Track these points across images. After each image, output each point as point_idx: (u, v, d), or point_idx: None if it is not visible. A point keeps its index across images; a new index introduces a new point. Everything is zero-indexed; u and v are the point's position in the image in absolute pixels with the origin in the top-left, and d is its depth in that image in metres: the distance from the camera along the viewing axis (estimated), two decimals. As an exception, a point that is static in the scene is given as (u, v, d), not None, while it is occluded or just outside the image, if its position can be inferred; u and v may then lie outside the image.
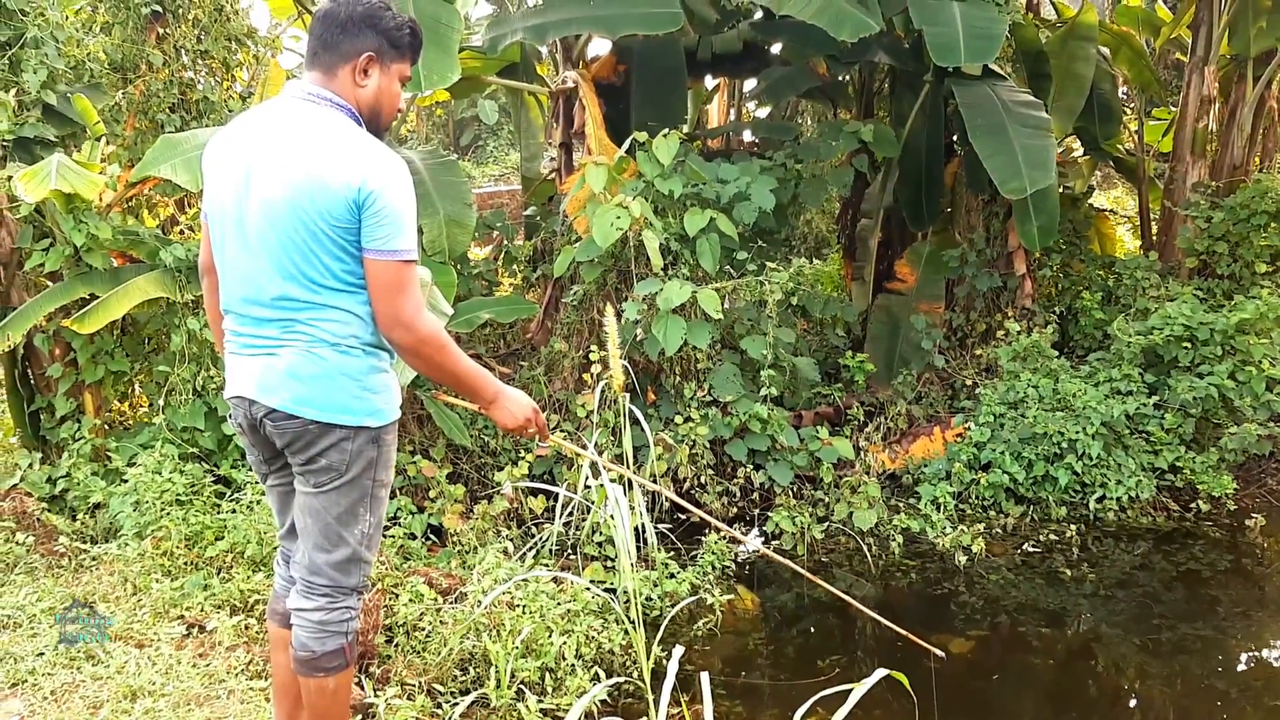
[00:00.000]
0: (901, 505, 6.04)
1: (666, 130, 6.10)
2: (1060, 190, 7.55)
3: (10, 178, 4.88)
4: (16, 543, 4.51)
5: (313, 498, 2.64)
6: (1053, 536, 5.76)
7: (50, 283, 5.14)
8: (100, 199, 4.86)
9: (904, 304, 7.75)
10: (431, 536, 5.32)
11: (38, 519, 4.84)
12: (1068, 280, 7.97)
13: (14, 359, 5.26)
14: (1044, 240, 7.13)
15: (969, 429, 6.32)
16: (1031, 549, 5.67)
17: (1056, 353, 6.77)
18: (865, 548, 5.56)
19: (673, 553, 5.21)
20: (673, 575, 4.88)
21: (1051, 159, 6.50)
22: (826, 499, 5.94)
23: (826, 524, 5.77)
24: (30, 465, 5.14)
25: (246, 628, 3.93)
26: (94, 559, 4.48)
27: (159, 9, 5.55)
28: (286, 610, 2.79)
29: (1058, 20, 8.97)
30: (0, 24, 5.12)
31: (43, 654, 3.59)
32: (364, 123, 2.59)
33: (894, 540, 5.61)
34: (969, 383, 7.15)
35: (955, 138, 8.06)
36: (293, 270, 2.46)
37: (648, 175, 6.11)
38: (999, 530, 5.85)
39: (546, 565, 4.73)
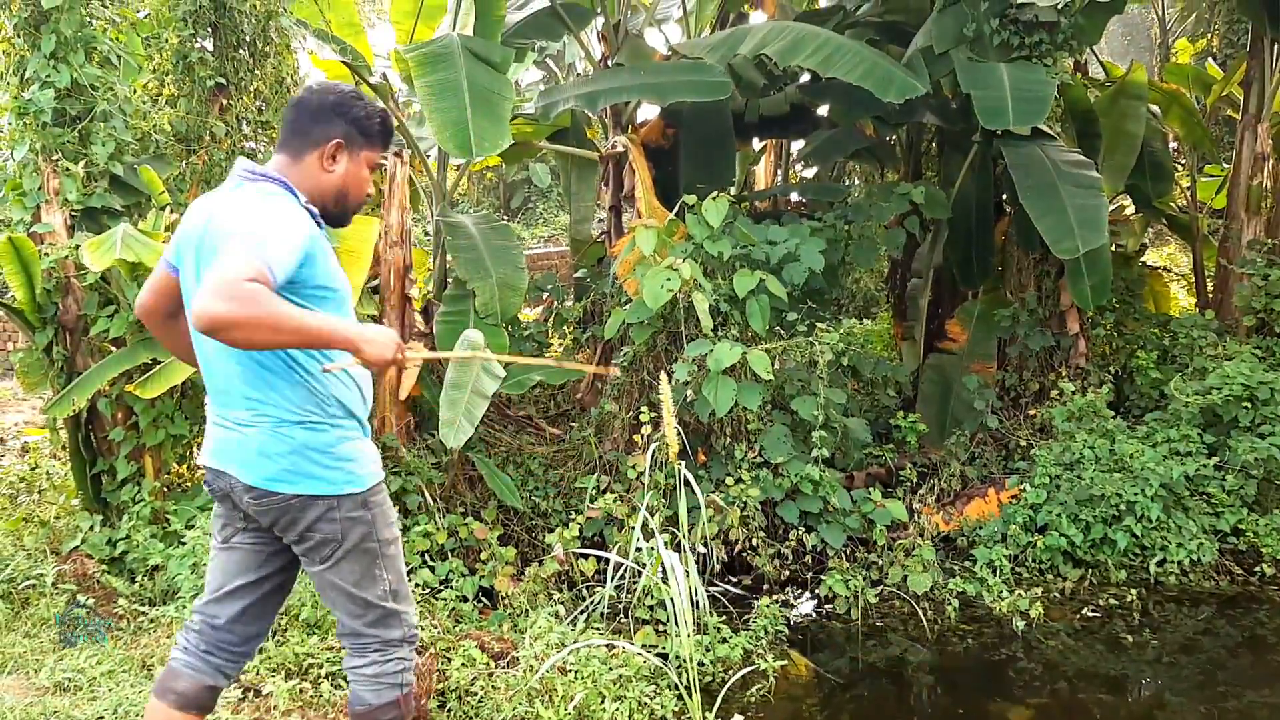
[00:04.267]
0: (956, 568, 5.95)
1: (715, 192, 6.16)
2: (1113, 248, 7.50)
3: (78, 247, 5.04)
4: (78, 604, 4.58)
5: (325, 574, 2.69)
6: (1113, 600, 5.65)
7: (114, 348, 5.26)
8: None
9: (955, 364, 7.69)
10: (483, 599, 5.32)
11: (98, 581, 4.91)
12: (1122, 339, 7.87)
13: (78, 423, 5.38)
14: (1097, 299, 7.07)
15: (1024, 490, 6.24)
16: (1091, 613, 5.55)
17: (1112, 413, 6.67)
18: (920, 612, 5.47)
19: (724, 617, 5.17)
20: (725, 640, 4.84)
21: (1103, 218, 6.47)
22: (880, 562, 5.87)
23: (880, 587, 5.70)
24: (91, 528, 5.24)
25: (301, 691, 3.94)
26: (152, 621, 4.53)
27: (223, 82, 5.74)
28: (186, 691, 2.73)
29: (1106, 79, 8.96)
30: (72, 99, 5.31)
31: (102, 718, 3.62)
32: (329, 205, 2.71)
33: (949, 604, 5.52)
34: (1023, 443, 7.06)
35: (1005, 197, 8.05)
36: (235, 353, 2.54)
37: (697, 237, 6.16)
38: (1057, 594, 5.74)
39: (598, 629, 4.71)
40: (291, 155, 2.66)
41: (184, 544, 4.78)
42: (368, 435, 2.80)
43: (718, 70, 6.85)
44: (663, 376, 3.52)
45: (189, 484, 5.57)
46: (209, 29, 5.75)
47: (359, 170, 2.73)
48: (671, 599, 4.55)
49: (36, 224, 5.31)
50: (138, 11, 6.06)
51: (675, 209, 6.41)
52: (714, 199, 6.08)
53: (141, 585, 4.89)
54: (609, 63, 8.03)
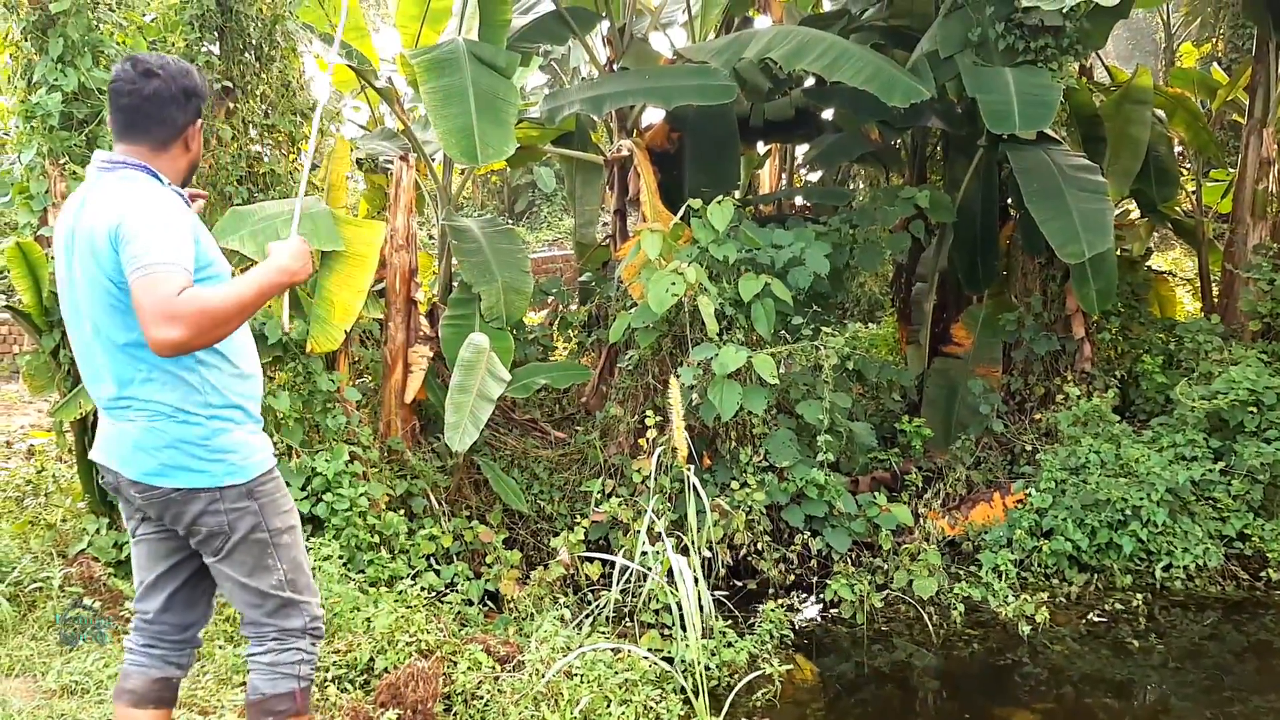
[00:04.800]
0: (962, 573, 5.95)
1: (721, 196, 6.16)
2: (1118, 253, 7.49)
3: (85, 250, 5.04)
4: (84, 607, 4.58)
5: (217, 565, 2.68)
6: (1118, 605, 5.64)
7: (121, 351, 5.26)
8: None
9: (961, 368, 7.69)
10: (489, 603, 5.33)
11: (104, 584, 4.91)
12: (1127, 344, 7.87)
13: (84, 426, 5.37)
14: (1103, 303, 7.07)
15: (1030, 495, 6.23)
16: (1097, 618, 5.55)
17: (1118, 417, 6.67)
18: (926, 616, 5.47)
19: (729, 621, 5.17)
20: (730, 644, 4.84)
21: (1109, 222, 6.47)
22: (885, 566, 5.87)
23: (886, 591, 5.69)
24: (98, 530, 5.23)
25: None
26: (158, 624, 4.52)
27: (229, 85, 5.73)
28: (137, 688, 2.76)
29: (1111, 84, 8.96)
30: (79, 102, 5.31)
31: (109, 720, 3.63)
32: (186, 180, 2.70)
33: (955, 609, 5.51)
34: (1028, 448, 7.05)
35: (1010, 201, 8.05)
36: (110, 343, 2.52)
37: (702, 241, 6.16)
38: (1063, 599, 5.74)
39: (603, 633, 4.71)
40: (154, 145, 2.59)
41: (190, 547, 4.78)
42: (258, 422, 2.75)
43: (723, 74, 6.85)
44: (673, 381, 3.52)
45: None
46: (215, 33, 5.73)
47: (200, 135, 2.69)
48: (677, 603, 4.57)
49: (43, 228, 5.31)
50: (144, 15, 6.07)
51: (680, 213, 6.41)
52: (719, 203, 6.09)
53: (148, 589, 4.88)
54: (614, 67, 8.04)
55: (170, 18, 5.72)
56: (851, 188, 11.32)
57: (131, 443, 2.57)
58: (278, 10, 5.90)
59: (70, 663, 4.06)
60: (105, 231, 2.43)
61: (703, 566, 5.05)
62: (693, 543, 4.12)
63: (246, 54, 5.80)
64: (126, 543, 5.12)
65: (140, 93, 2.55)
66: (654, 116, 8.33)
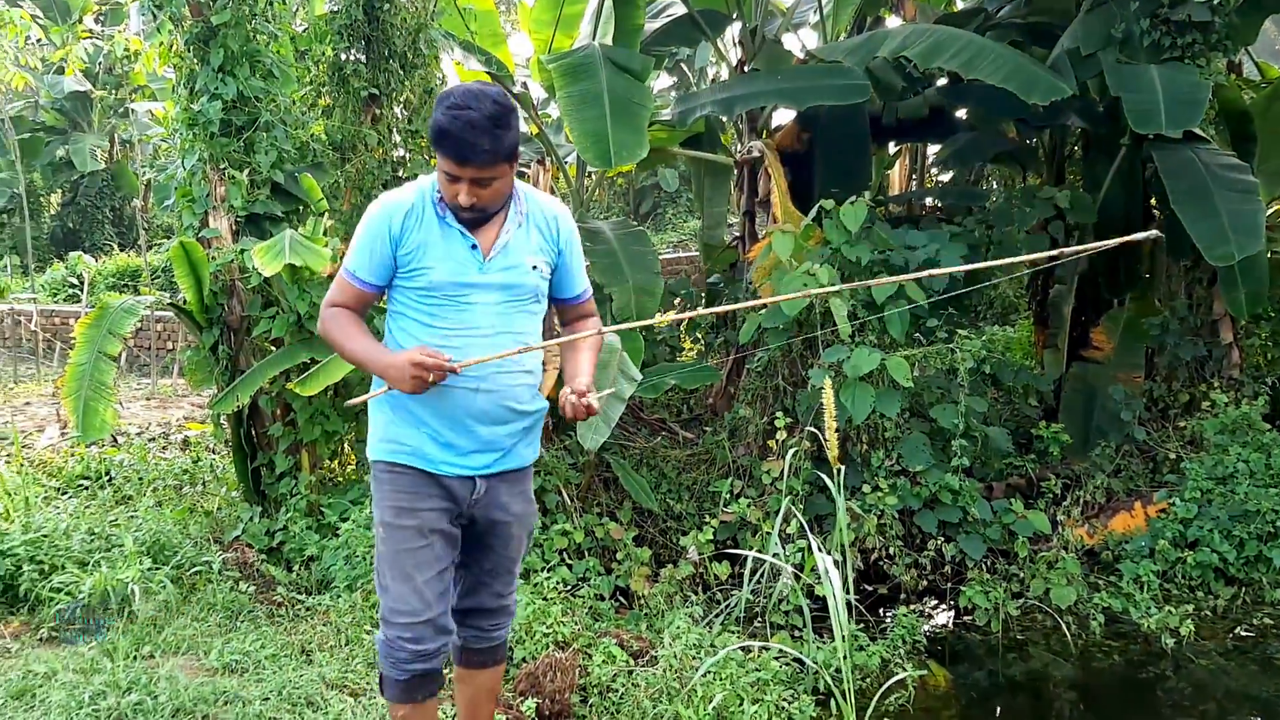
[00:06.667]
0: (1101, 582, 5.80)
1: (853, 197, 6.13)
2: (1269, 255, 7.19)
3: (242, 251, 5.30)
4: (241, 592, 4.82)
5: None
6: (1267, 620, 5.43)
7: (274, 348, 5.52)
8: (323, 271, 5.22)
9: (1101, 373, 7.47)
10: (620, 598, 5.40)
11: (258, 570, 5.16)
12: (1279, 349, 7.55)
13: (240, 419, 5.64)
14: (1252, 307, 6.80)
15: (1173, 505, 6.04)
16: (1244, 633, 5.35)
17: (1268, 426, 6.41)
18: (1064, 626, 5.34)
19: (861, 625, 5.14)
20: (862, 648, 4.81)
21: (1260, 224, 6.22)
22: (1021, 574, 5.75)
23: (1022, 600, 5.58)
24: (251, 519, 5.50)
25: (450, 681, 4.08)
26: (309, 610, 4.74)
27: (375, 92, 5.95)
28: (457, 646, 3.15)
29: (1262, 80, 8.61)
30: (237, 110, 5.58)
31: (268, 699, 3.81)
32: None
33: (1094, 619, 5.38)
34: (1172, 456, 6.83)
35: (1153, 201, 7.79)
36: None
37: (834, 242, 6.14)
38: (1208, 612, 5.55)
39: (734, 632, 4.74)
40: None
41: (338, 536, 4.99)
42: (413, 418, 2.87)
43: (856, 73, 6.81)
44: (826, 380, 3.52)
45: (341, 479, 5.79)
46: (362, 42, 5.95)
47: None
48: (809, 605, 4.58)
49: (204, 229, 5.60)
50: (296, 25, 6.33)
51: (811, 214, 6.39)
52: (852, 203, 6.05)
53: (298, 574, 5.11)
54: (745, 68, 8.05)
55: (321, 28, 5.96)
56: (985, 188, 11.09)
57: None
58: (422, 19, 6.09)
59: (230, 642, 4.28)
60: None
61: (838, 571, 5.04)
62: (842, 541, 4.11)
63: (391, 61, 6.00)
64: (279, 530, 5.39)
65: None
66: (784, 117, 8.32)
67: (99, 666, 4.00)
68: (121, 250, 20.10)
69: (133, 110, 17.63)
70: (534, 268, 2.89)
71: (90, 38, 18.32)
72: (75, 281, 16.58)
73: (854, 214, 6.03)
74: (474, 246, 2.80)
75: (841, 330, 5.81)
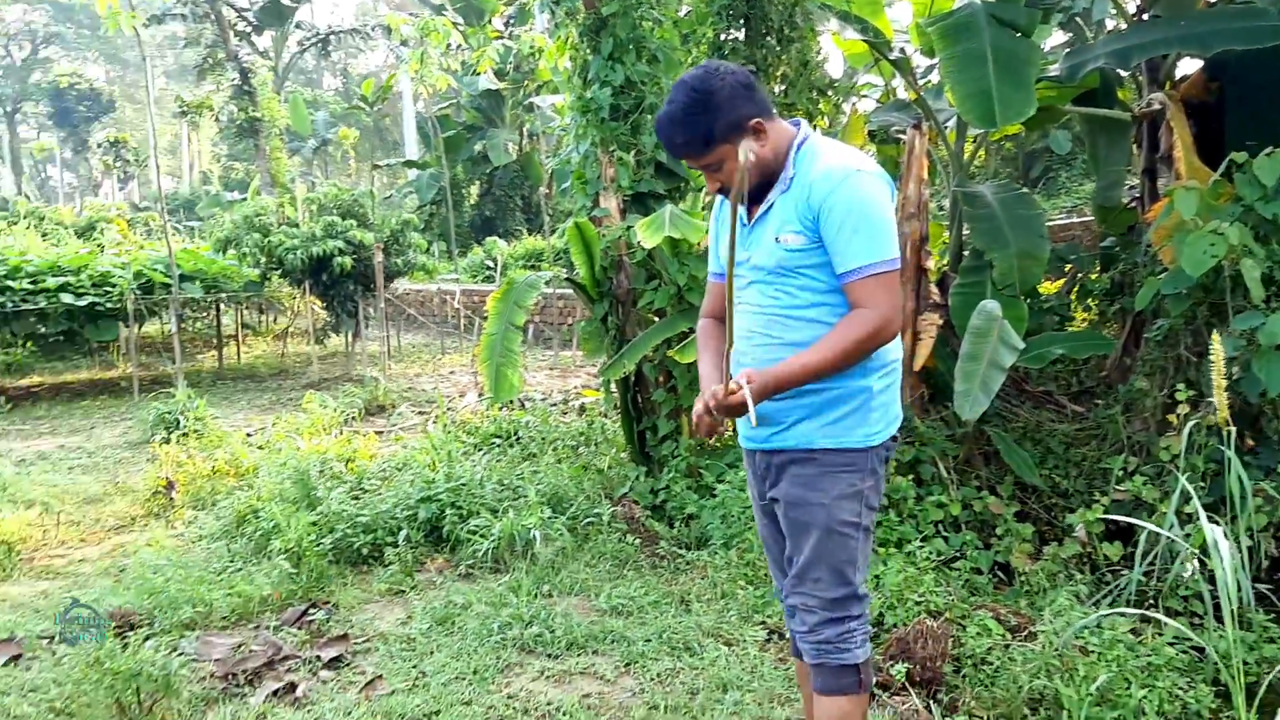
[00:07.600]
0: None
1: (1271, 149, 5.53)
2: None
3: (629, 227, 5.66)
4: (627, 543, 5.20)
5: None
6: None
7: (657, 319, 5.85)
8: (700, 244, 5.46)
9: None
10: (998, 574, 5.26)
11: (643, 524, 5.52)
12: None
13: (626, 385, 6.04)
14: None
15: None
16: None
17: None
18: None
19: (1272, 615, 4.67)
20: (1272, 639, 4.38)
21: None
22: None
23: None
24: (637, 478, 5.88)
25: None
26: (688, 563, 5.03)
27: (753, 68, 6.12)
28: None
29: None
30: (624, 95, 5.94)
31: (650, 640, 4.10)
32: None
33: None
34: None
35: None
36: None
37: (1248, 199, 5.56)
38: None
39: (1124, 615, 4.47)
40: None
41: (715, 497, 5.23)
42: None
43: (1272, 13, 6.11)
44: (1216, 339, 3.25)
45: (718, 444, 6.05)
46: (741, 20, 6.14)
47: None
48: (1210, 590, 4.23)
49: (596, 209, 6.02)
50: (679, 10, 6.63)
51: (1221, 168, 5.83)
52: (1269, 155, 5.46)
53: (679, 530, 5.43)
54: (1144, 16, 7.45)
55: (702, 10, 6.21)
56: None
57: None
58: (798, -7, 6.19)
59: (617, 587, 4.63)
60: None
61: (1243, 555, 4.62)
62: (1231, 529, 3.79)
63: (769, 37, 6.15)
64: (661, 489, 5.73)
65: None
66: (1187, 67, 7.62)
67: (506, 601, 4.49)
68: (529, 234, 21.95)
69: (538, 105, 19.10)
70: (777, 240, 2.67)
71: (500, 38, 20.07)
72: (490, 264, 18.38)
73: (1272, 166, 5.43)
74: (744, 224, 2.76)
75: (1254, 295, 5.27)
